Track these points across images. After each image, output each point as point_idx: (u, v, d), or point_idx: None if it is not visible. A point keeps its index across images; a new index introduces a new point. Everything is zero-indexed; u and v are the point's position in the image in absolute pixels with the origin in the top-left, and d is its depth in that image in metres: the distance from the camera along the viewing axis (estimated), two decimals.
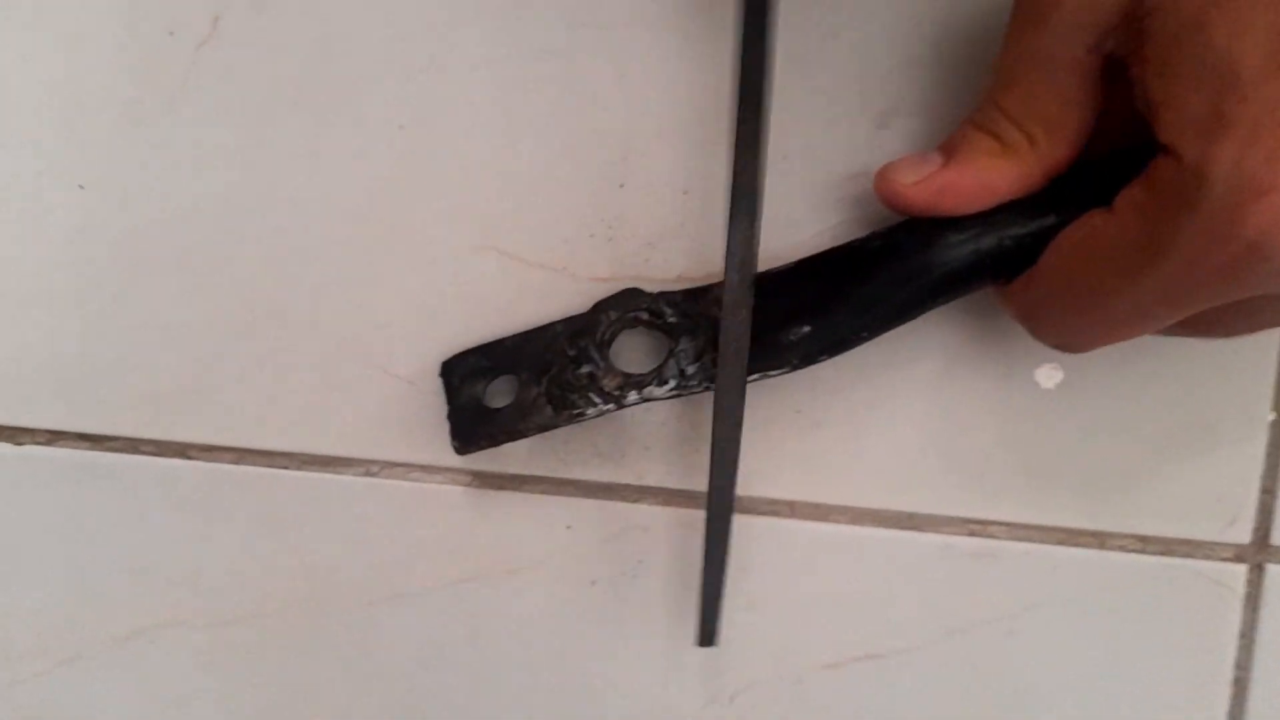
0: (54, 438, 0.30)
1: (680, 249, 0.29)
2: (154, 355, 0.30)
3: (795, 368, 0.26)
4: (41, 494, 0.30)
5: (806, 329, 0.26)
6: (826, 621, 0.30)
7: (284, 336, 0.30)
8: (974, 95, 0.26)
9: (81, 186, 0.29)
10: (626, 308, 0.28)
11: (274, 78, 0.29)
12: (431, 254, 0.29)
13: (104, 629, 0.31)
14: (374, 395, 0.30)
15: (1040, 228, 0.24)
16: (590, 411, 0.27)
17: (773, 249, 0.29)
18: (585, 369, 0.27)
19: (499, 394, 0.28)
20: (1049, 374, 0.30)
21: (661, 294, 0.28)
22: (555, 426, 0.27)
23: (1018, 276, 0.25)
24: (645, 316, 0.28)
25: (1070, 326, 0.24)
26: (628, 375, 0.27)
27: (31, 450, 0.30)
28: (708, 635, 0.27)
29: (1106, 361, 0.29)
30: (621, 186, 0.29)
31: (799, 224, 0.29)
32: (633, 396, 0.27)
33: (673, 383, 0.27)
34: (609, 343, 0.28)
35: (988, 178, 0.24)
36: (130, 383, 0.30)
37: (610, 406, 0.27)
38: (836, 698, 0.30)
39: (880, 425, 0.30)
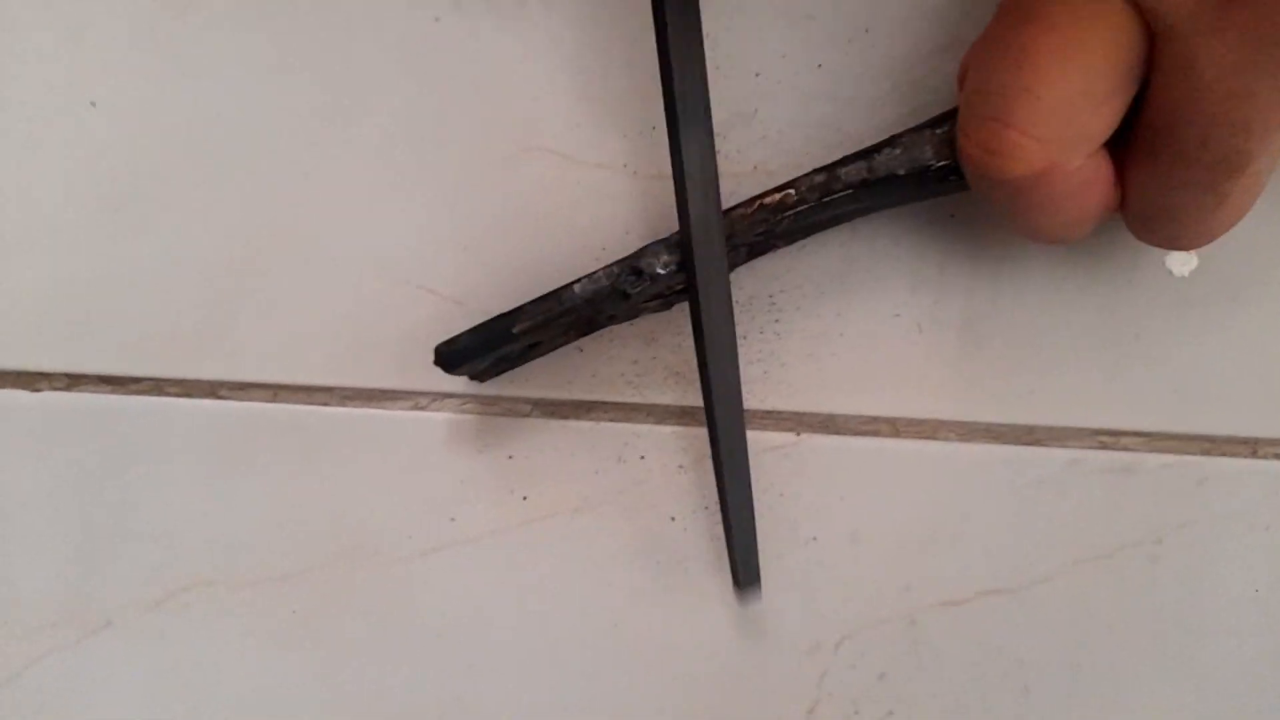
0: (73, 382, 0.28)
1: (753, 137, 0.26)
2: (178, 287, 0.27)
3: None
4: (62, 444, 0.28)
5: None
6: (942, 553, 0.27)
7: (318, 259, 0.27)
8: None
9: (93, 104, 0.27)
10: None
11: None
12: (476, 158, 0.26)
13: (133, 593, 0.28)
14: (420, 319, 0.27)
15: None
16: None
17: (852, 132, 0.26)
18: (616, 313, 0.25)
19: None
20: (1182, 260, 0.26)
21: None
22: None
23: None
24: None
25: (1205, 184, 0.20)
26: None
27: (50, 396, 0.28)
28: (750, 574, 0.25)
29: (1246, 244, 0.25)
30: None
31: (881, 103, 0.26)
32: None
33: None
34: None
35: None
36: (153, 318, 0.27)
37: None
38: (958, 639, 0.27)
39: (994, 327, 0.26)
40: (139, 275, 0.27)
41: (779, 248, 0.25)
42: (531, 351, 0.26)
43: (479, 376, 0.26)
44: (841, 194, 0.23)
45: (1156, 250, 0.26)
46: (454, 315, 0.26)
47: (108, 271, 0.27)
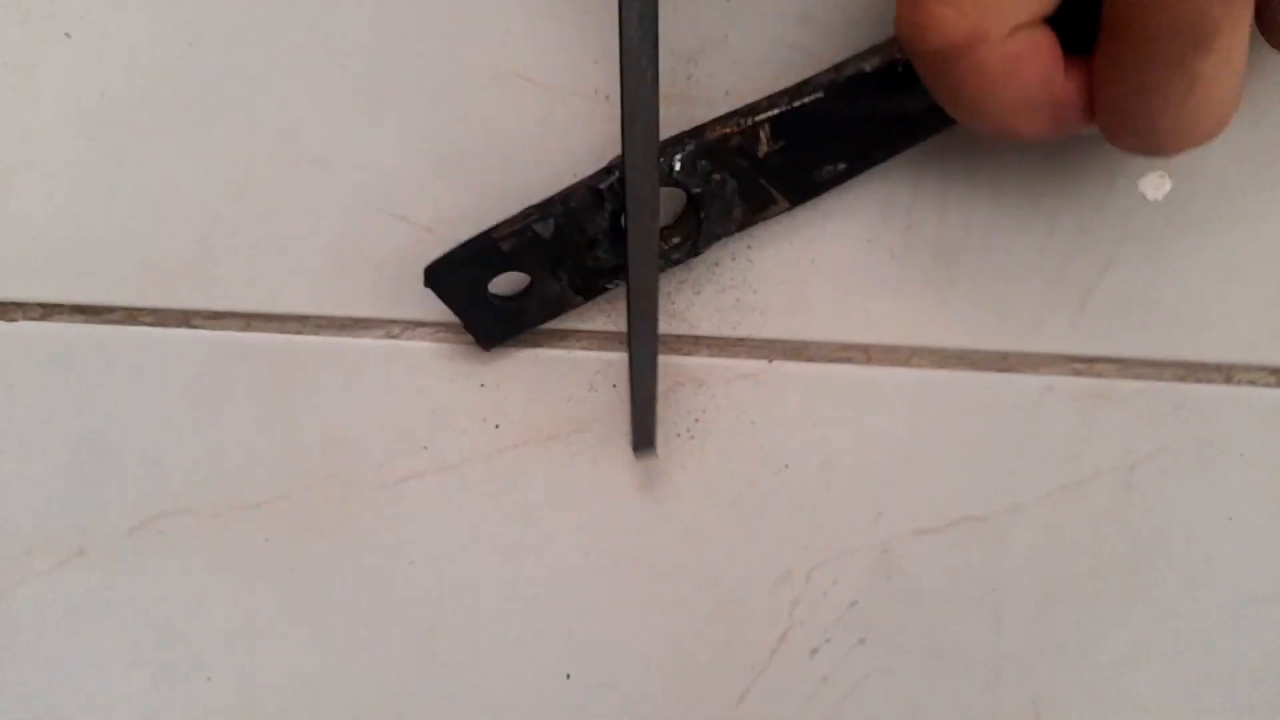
0: (48, 312, 0.28)
1: (725, 63, 0.26)
2: (152, 217, 0.27)
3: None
4: (37, 374, 0.28)
5: (843, 166, 0.24)
6: (915, 481, 0.26)
7: (292, 188, 0.27)
8: None
9: (68, 35, 0.27)
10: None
11: None
12: (449, 85, 0.26)
13: (109, 521, 0.28)
14: (392, 247, 0.27)
15: None
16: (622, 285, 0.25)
17: (825, 56, 0.26)
18: (605, 255, 0.25)
19: (505, 283, 0.26)
20: (1155, 183, 0.26)
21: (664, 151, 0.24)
22: (581, 304, 0.26)
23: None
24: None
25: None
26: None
27: (24, 326, 0.28)
28: (645, 438, 0.25)
29: (1220, 166, 0.25)
30: None
31: (856, 26, 0.26)
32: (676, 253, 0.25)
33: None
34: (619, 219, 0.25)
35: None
36: (128, 248, 0.27)
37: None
38: (932, 567, 0.27)
39: (966, 253, 0.26)
40: (113, 205, 0.27)
41: (774, 202, 0.25)
42: (526, 302, 0.25)
43: (486, 342, 0.26)
44: (811, 98, 0.23)
45: (1130, 173, 0.25)
46: (426, 243, 0.26)
47: (82, 202, 0.27)
